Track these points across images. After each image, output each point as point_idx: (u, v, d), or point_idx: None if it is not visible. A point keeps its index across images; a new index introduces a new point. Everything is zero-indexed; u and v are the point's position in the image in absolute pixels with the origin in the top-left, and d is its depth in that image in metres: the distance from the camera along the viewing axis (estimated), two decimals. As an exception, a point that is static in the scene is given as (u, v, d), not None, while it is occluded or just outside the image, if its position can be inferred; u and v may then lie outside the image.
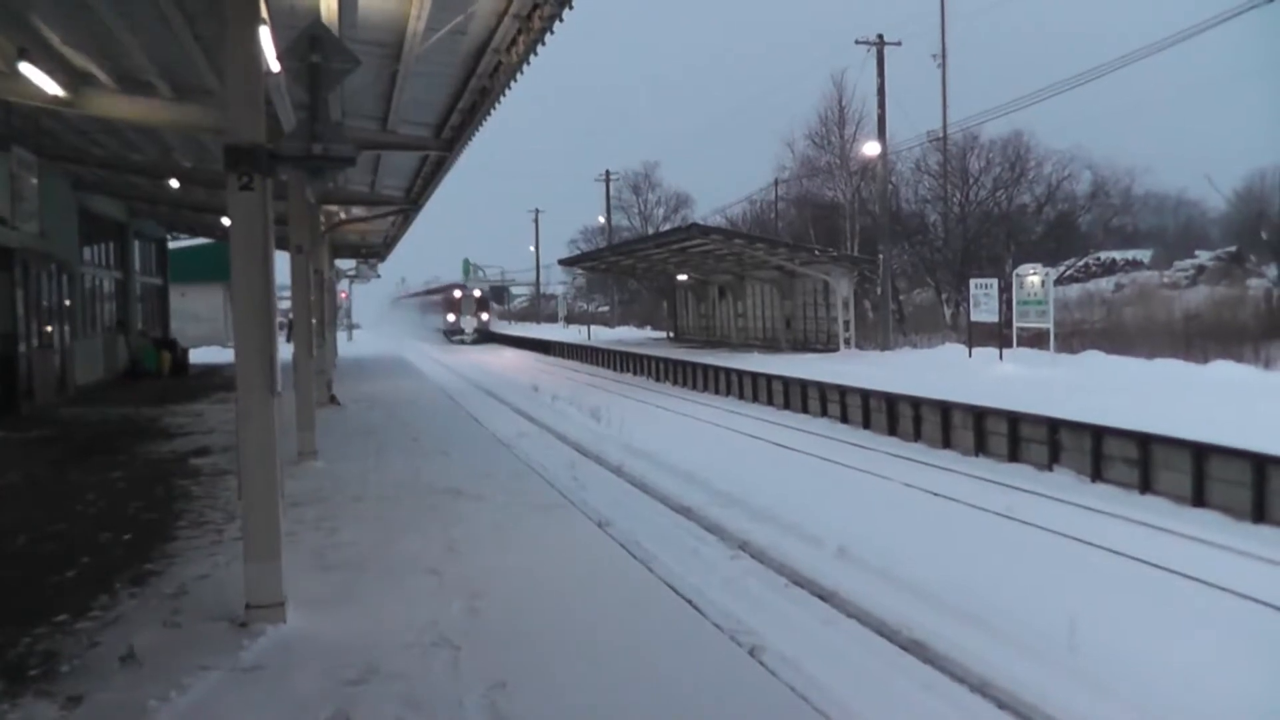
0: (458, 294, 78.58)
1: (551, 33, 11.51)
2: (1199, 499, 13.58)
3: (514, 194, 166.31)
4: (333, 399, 23.43)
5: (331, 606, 7.86)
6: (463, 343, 73.55)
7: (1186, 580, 10.30)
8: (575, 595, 8.23)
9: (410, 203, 26.38)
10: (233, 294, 7.60)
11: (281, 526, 7.61)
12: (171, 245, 42.20)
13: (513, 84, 13.64)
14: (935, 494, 14.85)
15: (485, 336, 76.22)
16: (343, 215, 28.26)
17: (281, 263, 17.61)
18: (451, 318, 77.24)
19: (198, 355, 37.92)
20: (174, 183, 22.93)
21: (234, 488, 10.92)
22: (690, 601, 8.90)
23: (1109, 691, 7.44)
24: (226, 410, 20.50)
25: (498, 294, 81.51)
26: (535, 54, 12.29)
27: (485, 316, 78.71)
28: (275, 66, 9.43)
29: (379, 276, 60.77)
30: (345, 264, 52.30)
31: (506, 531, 10.47)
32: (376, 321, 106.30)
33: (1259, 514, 12.64)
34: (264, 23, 7.94)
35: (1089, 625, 8.35)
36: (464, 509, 11.57)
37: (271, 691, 6.25)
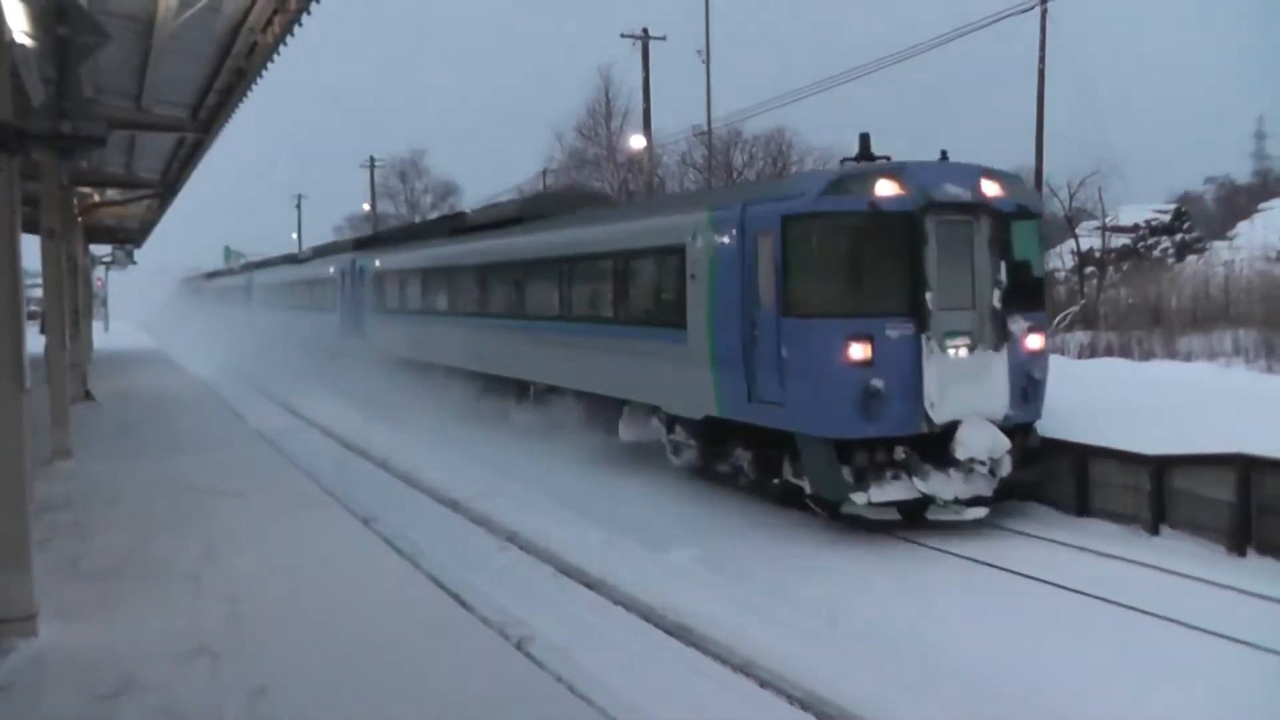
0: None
1: (309, 14, 11.28)
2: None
3: (276, 180, 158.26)
4: (88, 394, 22.34)
5: (86, 617, 7.60)
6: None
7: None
8: (339, 596, 8.16)
9: (167, 186, 25.38)
10: None
11: (31, 533, 7.30)
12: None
13: (270, 65, 13.32)
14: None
15: None
16: (97, 198, 26.95)
17: (32, 248, 16.86)
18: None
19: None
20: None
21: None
22: (458, 596, 8.92)
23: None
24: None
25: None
26: (292, 34, 12.03)
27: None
28: (21, 39, 8.98)
29: (135, 264, 57.43)
30: (101, 250, 49.66)
31: (268, 531, 10.27)
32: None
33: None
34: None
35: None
36: (225, 509, 11.29)
37: (21, 712, 6.01)
